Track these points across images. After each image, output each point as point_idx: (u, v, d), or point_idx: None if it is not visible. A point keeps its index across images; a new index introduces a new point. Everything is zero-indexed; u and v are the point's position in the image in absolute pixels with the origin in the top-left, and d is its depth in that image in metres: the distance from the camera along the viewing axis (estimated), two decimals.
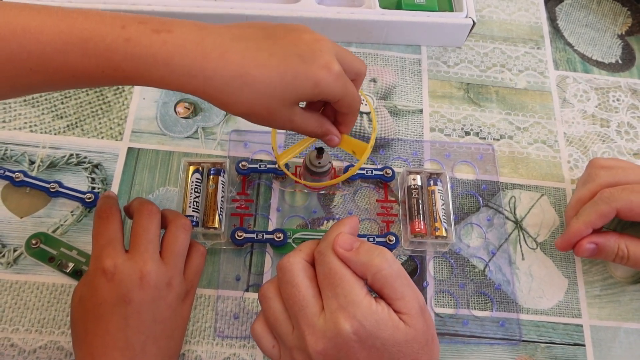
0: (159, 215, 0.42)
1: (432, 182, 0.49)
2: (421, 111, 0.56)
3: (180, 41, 0.33)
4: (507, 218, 0.52)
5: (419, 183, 0.49)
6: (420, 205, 0.49)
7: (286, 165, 0.50)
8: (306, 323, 0.34)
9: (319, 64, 0.36)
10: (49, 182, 0.48)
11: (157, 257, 0.40)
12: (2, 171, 0.48)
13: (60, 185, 0.48)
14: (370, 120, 0.52)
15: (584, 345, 0.48)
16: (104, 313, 0.38)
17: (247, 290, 0.47)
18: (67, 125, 0.52)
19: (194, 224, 0.46)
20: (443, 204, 0.48)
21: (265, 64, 0.34)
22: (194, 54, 0.33)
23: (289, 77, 0.35)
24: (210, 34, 0.34)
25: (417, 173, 0.50)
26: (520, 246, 0.51)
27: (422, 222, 0.48)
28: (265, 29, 0.37)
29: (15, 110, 0.52)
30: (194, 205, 0.46)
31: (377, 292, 0.35)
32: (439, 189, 0.49)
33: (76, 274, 0.45)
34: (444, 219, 0.48)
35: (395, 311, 0.34)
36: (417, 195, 0.49)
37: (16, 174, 0.48)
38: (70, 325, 0.40)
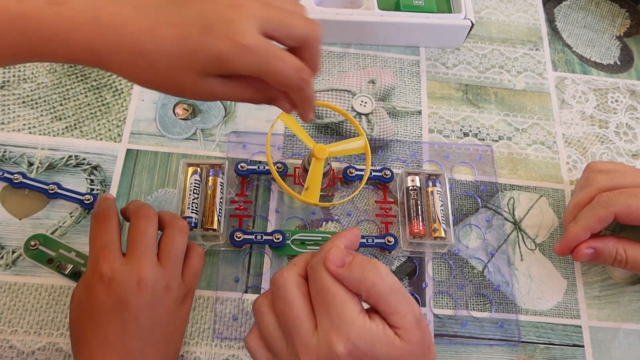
0: (156, 218, 0.42)
1: (430, 183, 0.49)
2: (420, 112, 0.56)
3: (73, 14, 0.31)
4: (505, 219, 0.52)
5: (418, 184, 0.49)
6: (419, 207, 0.49)
7: (285, 166, 0.50)
8: (300, 341, 0.33)
9: (222, 34, 0.32)
10: (47, 184, 0.48)
11: (155, 261, 0.40)
12: (0, 173, 0.48)
13: (59, 186, 0.48)
14: (369, 121, 0.52)
15: (583, 346, 0.48)
16: (102, 318, 0.38)
17: (246, 292, 0.47)
18: (66, 127, 0.52)
19: (192, 225, 0.46)
20: (442, 205, 0.48)
21: (161, 36, 0.32)
22: (90, 28, 0.31)
23: (186, 50, 0.32)
24: (109, 3, 0.32)
25: (416, 174, 0.50)
26: (519, 247, 0.51)
27: (420, 223, 0.48)
28: None
29: (14, 111, 0.52)
30: (192, 206, 0.46)
31: (372, 307, 0.34)
32: (437, 190, 0.49)
33: (75, 275, 0.45)
34: (442, 220, 0.48)
35: (391, 325, 0.33)
36: (415, 197, 0.49)
37: (15, 175, 0.48)
38: (69, 328, 0.40)
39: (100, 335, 0.37)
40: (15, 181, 0.48)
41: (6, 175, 0.48)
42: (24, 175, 0.48)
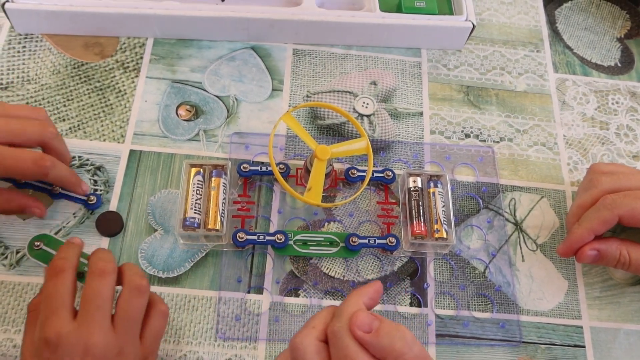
0: (114, 275, 0.39)
1: (432, 184, 0.50)
2: (421, 114, 0.57)
3: None
4: (507, 220, 0.52)
5: (420, 185, 0.50)
6: (421, 207, 0.49)
7: (287, 167, 0.50)
8: None
9: None
10: (51, 184, 0.48)
11: (107, 325, 0.37)
12: None
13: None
14: (371, 123, 0.52)
15: (584, 347, 0.48)
16: None
17: (248, 292, 0.47)
18: (70, 128, 0.52)
19: (195, 225, 0.46)
20: (443, 206, 0.49)
21: None
22: None
23: None
24: None
25: (418, 175, 0.50)
26: (520, 248, 0.51)
27: (422, 223, 0.48)
28: None
29: None
30: (195, 207, 0.47)
31: None
32: (439, 191, 0.49)
33: (78, 275, 0.45)
34: (444, 220, 0.48)
35: None
36: (417, 197, 0.49)
37: None
38: None
39: None
40: (19, 182, 0.48)
41: None
42: None
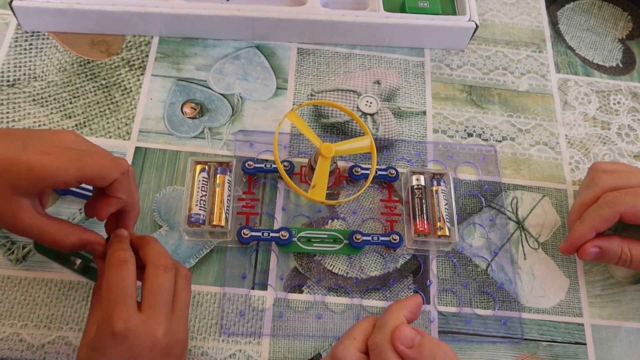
0: (174, 269, 0.40)
1: (435, 183, 0.50)
2: (424, 113, 0.57)
3: None
4: (509, 218, 0.53)
5: (423, 183, 0.50)
6: (424, 205, 0.49)
7: (291, 164, 0.51)
8: None
9: (37, 149, 0.35)
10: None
11: (170, 316, 0.38)
12: None
13: None
14: (374, 121, 0.52)
15: (585, 344, 0.48)
16: None
17: (252, 288, 0.48)
18: (76, 125, 0.52)
19: (200, 222, 0.46)
20: (446, 204, 0.49)
21: None
22: None
23: (1, 163, 0.35)
24: None
25: (421, 173, 0.51)
26: (522, 246, 0.52)
27: (425, 221, 0.48)
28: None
29: (24, 109, 0.52)
30: (200, 204, 0.47)
31: None
32: (442, 189, 0.50)
33: (84, 270, 0.46)
34: (447, 218, 0.48)
35: None
36: (420, 195, 0.49)
37: None
38: None
39: None
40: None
41: None
42: None
